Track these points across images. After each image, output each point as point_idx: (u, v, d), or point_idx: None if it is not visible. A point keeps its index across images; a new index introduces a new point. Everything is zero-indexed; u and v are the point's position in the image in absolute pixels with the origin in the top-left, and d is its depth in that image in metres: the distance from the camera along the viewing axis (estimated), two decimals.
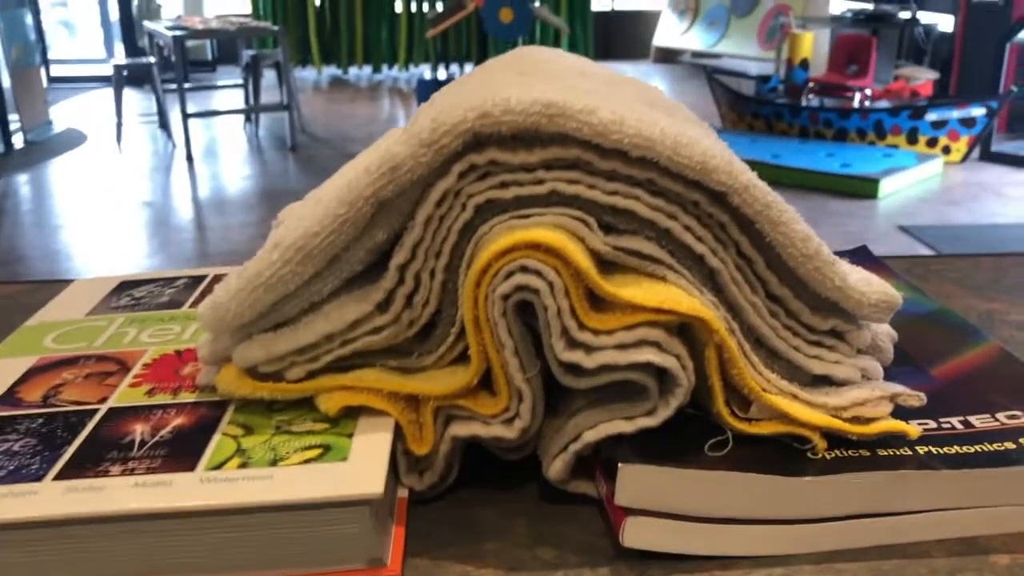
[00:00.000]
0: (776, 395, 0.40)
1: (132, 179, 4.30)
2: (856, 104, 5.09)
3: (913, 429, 0.40)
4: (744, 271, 0.41)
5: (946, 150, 4.50)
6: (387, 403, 0.41)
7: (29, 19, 5.16)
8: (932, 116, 4.53)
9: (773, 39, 6.43)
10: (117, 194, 4.05)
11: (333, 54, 6.99)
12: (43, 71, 5.85)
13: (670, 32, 7.64)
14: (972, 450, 0.40)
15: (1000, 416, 0.43)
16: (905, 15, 5.51)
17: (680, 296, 0.38)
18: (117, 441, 0.40)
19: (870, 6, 5.94)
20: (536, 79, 0.43)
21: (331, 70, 7.08)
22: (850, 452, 0.40)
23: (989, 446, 0.41)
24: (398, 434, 0.41)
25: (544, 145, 0.39)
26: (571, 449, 0.40)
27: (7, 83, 4.78)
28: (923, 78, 5.36)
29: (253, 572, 0.37)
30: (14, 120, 4.82)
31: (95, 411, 0.42)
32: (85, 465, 0.38)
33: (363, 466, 0.37)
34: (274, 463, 0.37)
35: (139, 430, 0.41)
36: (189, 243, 3.42)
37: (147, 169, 4.49)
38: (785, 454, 0.40)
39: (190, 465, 0.38)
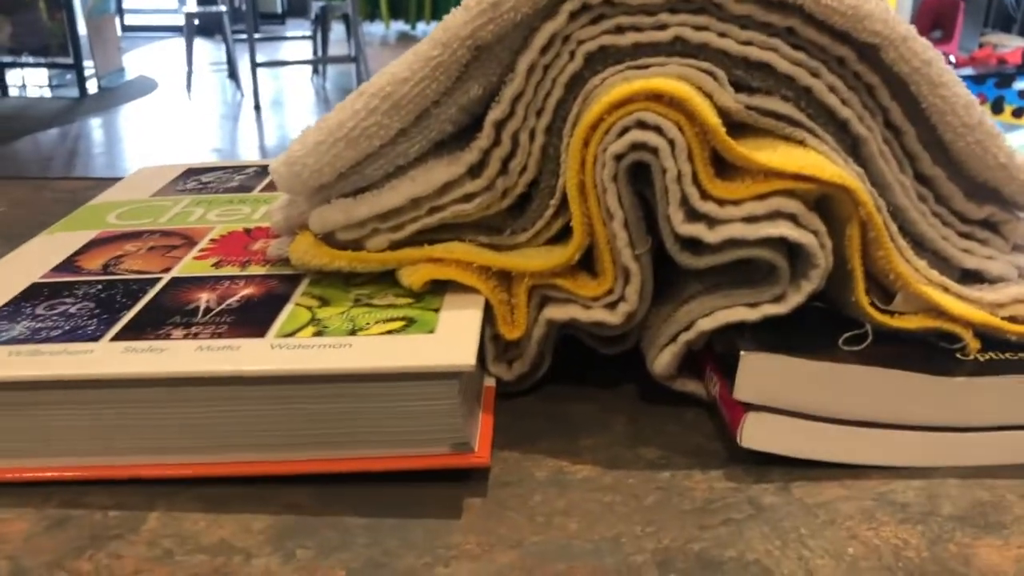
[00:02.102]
0: (926, 285, 0.35)
1: (201, 126, 4.32)
2: None
3: None
4: (892, 144, 0.36)
5: None
6: (477, 279, 0.36)
7: None
8: (1020, 85, 4.32)
9: None
10: (186, 140, 4.08)
11: (401, 9, 6.94)
12: (117, 19, 5.90)
13: None
14: None
15: None
16: None
17: (823, 163, 0.33)
18: (180, 307, 0.36)
19: None
20: None
21: (399, 25, 7.04)
22: (1007, 355, 0.35)
23: None
24: (486, 316, 0.37)
25: None
26: (681, 339, 0.36)
27: (83, 30, 4.83)
28: (1011, 45, 5.12)
29: (326, 451, 0.33)
30: (89, 66, 4.88)
31: (157, 280, 0.39)
32: (145, 328, 0.34)
33: (452, 338, 0.33)
34: (353, 333, 0.33)
35: (204, 298, 0.37)
36: None
37: (216, 117, 4.51)
38: (931, 353, 0.35)
39: (260, 332, 0.34)
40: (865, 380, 0.33)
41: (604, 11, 0.34)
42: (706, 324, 0.35)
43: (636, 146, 0.33)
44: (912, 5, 5.83)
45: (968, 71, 4.80)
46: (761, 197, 0.33)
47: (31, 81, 4.91)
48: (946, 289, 0.35)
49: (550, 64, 0.35)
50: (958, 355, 0.35)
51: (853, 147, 0.35)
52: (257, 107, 4.64)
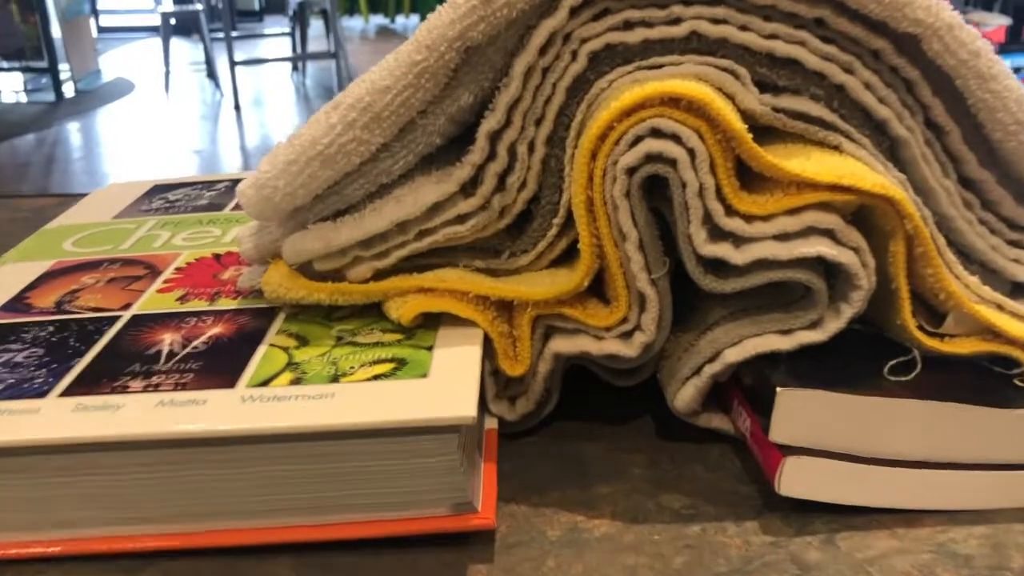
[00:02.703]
0: (979, 304, 0.31)
1: (180, 127, 4.25)
2: None
3: None
4: (934, 145, 0.32)
5: None
6: (474, 310, 0.32)
7: None
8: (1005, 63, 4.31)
9: None
10: (166, 142, 4.02)
11: (380, 3, 6.86)
12: (93, 20, 5.81)
13: None
14: None
15: None
16: None
17: (862, 170, 0.29)
18: (141, 352, 0.32)
19: None
20: None
21: (378, 19, 6.96)
22: None
23: None
24: (486, 350, 0.33)
25: None
26: (707, 372, 0.32)
27: (57, 33, 4.75)
28: (994, 24, 5.11)
29: (309, 517, 0.29)
30: (64, 69, 4.80)
31: (116, 318, 0.35)
32: (100, 379, 0.30)
33: (449, 384, 0.29)
34: (335, 379, 0.29)
35: (168, 340, 0.33)
36: None
37: (195, 117, 4.44)
38: (987, 381, 0.31)
39: (229, 381, 0.30)
40: (916, 415, 0.30)
41: (609, 5, 0.30)
42: (734, 355, 0.31)
43: (651, 157, 0.29)
44: None
45: None
46: (794, 211, 0.29)
47: (5, 86, 4.83)
48: (1000, 307, 0.32)
49: (550, 66, 0.31)
50: (1017, 381, 0.31)
51: (891, 150, 0.31)
52: (237, 106, 4.57)
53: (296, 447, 0.28)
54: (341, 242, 0.32)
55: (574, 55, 0.31)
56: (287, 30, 5.35)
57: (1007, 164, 0.32)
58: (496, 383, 0.34)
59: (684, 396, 0.32)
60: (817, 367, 0.31)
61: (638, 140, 0.29)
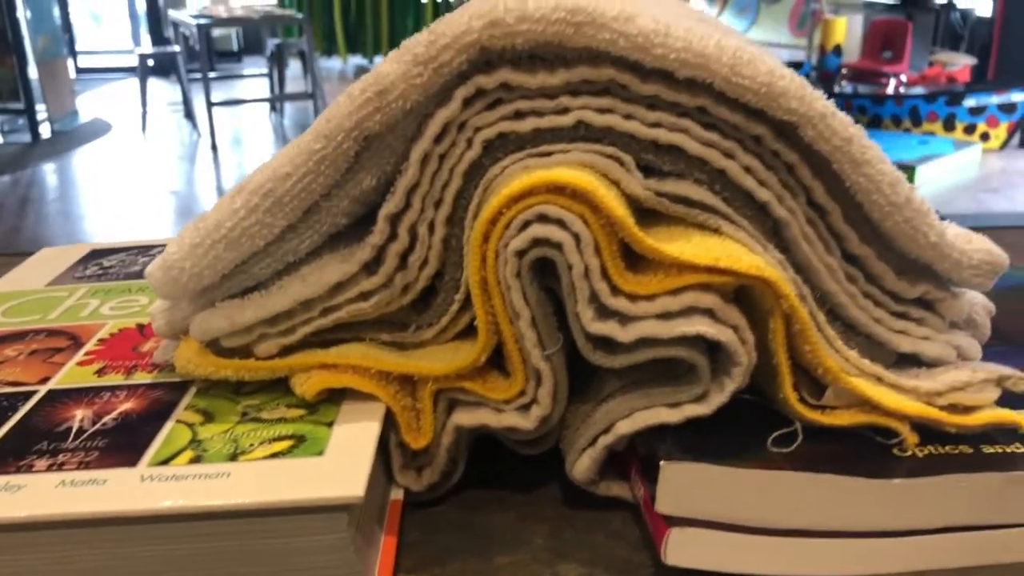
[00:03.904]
0: (857, 377, 0.32)
1: (157, 168, 4.26)
2: (891, 90, 4.94)
3: None
4: (816, 224, 0.33)
5: (984, 137, 4.36)
6: (376, 385, 0.33)
7: (56, 10, 5.13)
8: (970, 102, 4.39)
9: (805, 25, 6.28)
10: (142, 183, 4.02)
11: (359, 43, 6.92)
12: (70, 62, 5.83)
13: None
14: None
15: None
16: (941, 0, 5.35)
17: (739, 252, 0.31)
18: (51, 429, 0.33)
19: None
20: None
21: (357, 59, 7.01)
22: (947, 449, 0.32)
23: None
24: (391, 424, 0.34)
25: (569, 64, 0.31)
26: (601, 443, 0.33)
27: (34, 74, 4.76)
28: (960, 63, 5.21)
29: None
30: (41, 110, 4.80)
31: (32, 393, 0.35)
32: (7, 459, 0.31)
33: (342, 463, 0.30)
34: (234, 457, 0.30)
35: (79, 416, 0.33)
36: None
37: (172, 158, 4.45)
38: (867, 451, 0.32)
39: (132, 459, 0.30)
40: (797, 486, 0.31)
41: (501, 96, 0.32)
42: (625, 427, 0.32)
43: (538, 241, 0.30)
44: (862, 26, 5.92)
45: (919, 90, 4.87)
46: (675, 292, 0.30)
47: None
48: (880, 379, 0.33)
49: (446, 153, 0.32)
50: (896, 451, 0.32)
51: (774, 230, 0.33)
52: (214, 147, 4.59)
53: (191, 526, 0.29)
54: (246, 320, 0.33)
55: (469, 143, 0.32)
56: (265, 71, 5.39)
57: (887, 240, 0.34)
58: (402, 454, 0.35)
59: (581, 466, 0.33)
60: (703, 439, 0.32)
61: (526, 225, 0.30)
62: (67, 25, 6.14)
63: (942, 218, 0.37)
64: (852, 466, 0.31)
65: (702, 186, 0.32)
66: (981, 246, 0.34)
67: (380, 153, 0.33)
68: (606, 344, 0.32)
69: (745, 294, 0.32)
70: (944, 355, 0.35)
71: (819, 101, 0.31)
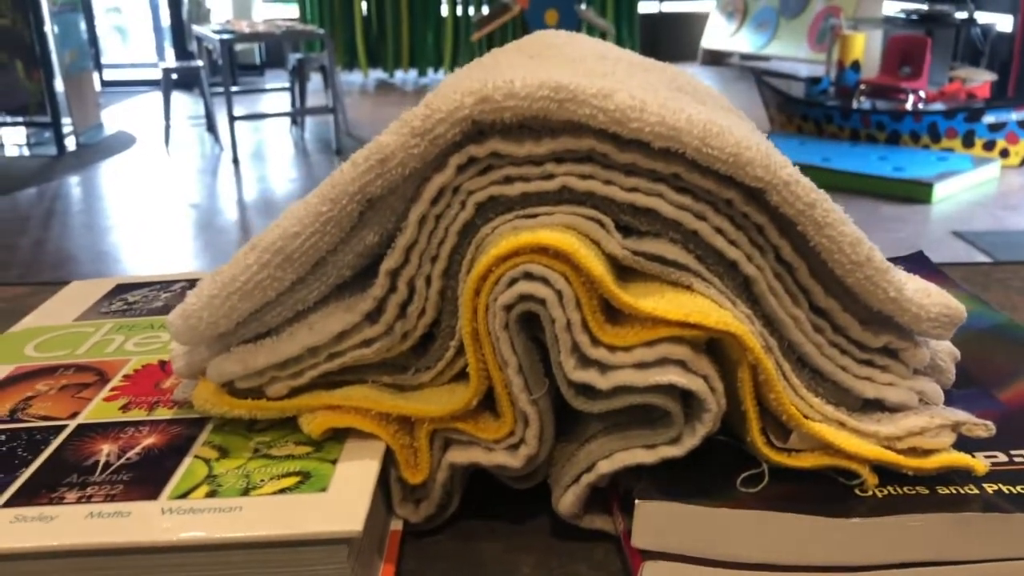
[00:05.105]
0: (820, 422, 0.35)
1: (179, 181, 4.33)
2: (909, 106, 4.94)
3: (980, 464, 0.35)
4: (784, 280, 0.36)
5: (1004, 153, 4.35)
6: (377, 425, 0.36)
7: (83, 24, 5.23)
8: (989, 118, 4.38)
9: (824, 41, 6.29)
10: (164, 196, 4.08)
11: (379, 58, 7.00)
12: (96, 75, 5.93)
13: (718, 34, 7.52)
14: None
15: None
16: (961, 15, 5.35)
17: (708, 308, 0.33)
18: (80, 463, 0.36)
19: (924, 6, 5.78)
20: (548, 62, 0.38)
21: (377, 73, 7.09)
22: (905, 490, 0.35)
23: None
24: (391, 460, 0.37)
25: (554, 135, 0.34)
26: (584, 481, 0.36)
27: (60, 87, 4.85)
28: (980, 79, 5.20)
29: None
30: (67, 123, 4.89)
31: (63, 427, 0.39)
32: (40, 491, 0.34)
33: (343, 499, 0.33)
34: (246, 492, 0.33)
35: (105, 451, 0.37)
36: (233, 245, 3.42)
37: (194, 171, 4.52)
38: (829, 491, 0.35)
39: (154, 492, 0.33)
40: (762, 524, 0.33)
41: (492, 162, 0.35)
42: (605, 467, 0.35)
43: (524, 297, 0.33)
44: (881, 42, 5.92)
45: (938, 106, 4.87)
46: (650, 344, 0.33)
47: (8, 140, 4.91)
48: (842, 424, 0.35)
49: (441, 214, 0.35)
50: (857, 491, 0.35)
51: (744, 285, 0.36)
52: (236, 160, 4.65)
53: (207, 555, 0.32)
54: (259, 365, 0.36)
55: (463, 204, 0.35)
56: (287, 84, 5.46)
57: (852, 295, 0.36)
58: (402, 488, 0.38)
59: (565, 502, 0.36)
60: (676, 478, 0.34)
61: (514, 282, 0.33)
62: (93, 39, 6.25)
63: (909, 269, 0.40)
64: (815, 506, 0.34)
65: (676, 245, 0.35)
66: (939, 300, 0.37)
67: (382, 213, 0.36)
68: (587, 391, 0.34)
69: (717, 345, 0.34)
70: (907, 400, 0.37)
71: (784, 169, 0.34)
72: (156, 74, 5.63)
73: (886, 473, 0.35)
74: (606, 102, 0.33)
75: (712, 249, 0.35)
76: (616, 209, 0.35)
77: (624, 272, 0.35)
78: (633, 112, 0.33)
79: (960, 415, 0.36)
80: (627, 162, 0.34)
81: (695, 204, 0.35)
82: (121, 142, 5.17)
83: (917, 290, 0.37)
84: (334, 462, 0.35)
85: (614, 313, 0.34)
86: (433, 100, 0.34)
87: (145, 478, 0.34)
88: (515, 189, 0.35)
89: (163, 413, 0.39)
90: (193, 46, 5.59)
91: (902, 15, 5.69)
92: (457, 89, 0.33)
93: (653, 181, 0.35)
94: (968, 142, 4.45)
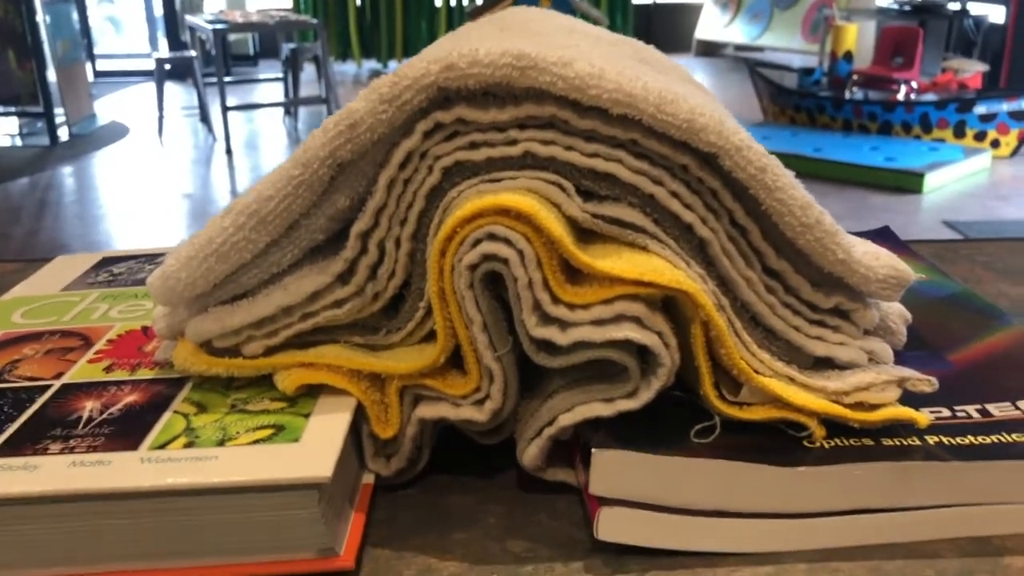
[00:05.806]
0: (770, 377, 0.37)
1: (173, 171, 4.33)
2: (901, 97, 4.96)
3: (922, 417, 0.37)
4: (738, 242, 0.38)
5: (995, 144, 4.37)
6: (348, 382, 0.38)
7: (75, 14, 5.23)
8: (981, 109, 4.41)
9: (817, 32, 6.30)
10: (158, 186, 4.09)
11: (373, 48, 6.99)
12: (89, 66, 5.93)
13: (712, 25, 7.53)
14: (988, 440, 0.36)
15: (1022, 404, 0.39)
16: (954, 6, 5.37)
17: (663, 267, 0.35)
18: (63, 418, 0.37)
19: None
20: (516, 34, 0.40)
21: (371, 64, 7.09)
22: (851, 441, 0.37)
23: (1008, 436, 0.37)
24: (362, 416, 0.38)
25: (517, 102, 0.36)
26: (545, 434, 0.37)
27: (53, 78, 4.85)
28: (972, 70, 5.22)
29: (196, 560, 0.34)
30: (59, 114, 4.89)
31: (47, 387, 0.40)
32: (24, 443, 0.36)
33: (314, 448, 0.34)
34: (222, 443, 0.35)
35: (88, 407, 0.38)
36: None
37: (187, 161, 4.52)
38: (779, 442, 0.36)
39: (134, 444, 0.35)
40: (713, 472, 0.35)
41: (457, 128, 0.36)
42: (566, 419, 0.37)
43: (488, 257, 0.35)
44: (874, 32, 5.93)
45: (930, 96, 4.88)
46: (607, 301, 0.35)
47: (1, 131, 4.91)
48: (792, 379, 0.37)
49: (409, 178, 0.37)
50: (805, 442, 0.37)
51: (699, 247, 0.37)
52: (229, 151, 4.66)
53: (183, 500, 0.33)
54: (235, 324, 0.38)
55: (430, 169, 0.37)
56: (280, 75, 5.46)
57: (803, 257, 0.38)
58: (373, 443, 0.39)
59: (529, 454, 0.38)
60: (632, 430, 0.36)
61: (477, 242, 0.35)
62: (86, 30, 6.24)
63: (877, 243, 0.41)
64: (765, 455, 0.35)
65: (634, 209, 0.37)
66: (887, 263, 0.38)
67: (352, 177, 0.37)
68: (548, 347, 0.36)
69: (672, 304, 0.36)
70: (856, 359, 0.39)
71: (736, 135, 0.36)
72: (149, 64, 5.62)
73: (834, 426, 0.37)
74: (566, 70, 0.34)
75: (668, 212, 0.37)
76: (577, 174, 0.36)
77: (585, 234, 0.37)
78: (592, 79, 0.34)
79: (906, 371, 0.38)
80: (587, 128, 0.36)
81: (652, 169, 0.36)
82: (114, 132, 5.16)
83: (866, 253, 0.38)
84: (307, 416, 0.37)
85: (574, 273, 0.36)
86: (401, 68, 0.35)
87: (126, 431, 0.36)
88: (480, 154, 0.36)
89: (145, 373, 0.41)
90: (186, 36, 5.59)
91: (895, 6, 5.71)
92: (424, 57, 0.35)
93: (612, 147, 0.36)
94: (959, 132, 4.47)
